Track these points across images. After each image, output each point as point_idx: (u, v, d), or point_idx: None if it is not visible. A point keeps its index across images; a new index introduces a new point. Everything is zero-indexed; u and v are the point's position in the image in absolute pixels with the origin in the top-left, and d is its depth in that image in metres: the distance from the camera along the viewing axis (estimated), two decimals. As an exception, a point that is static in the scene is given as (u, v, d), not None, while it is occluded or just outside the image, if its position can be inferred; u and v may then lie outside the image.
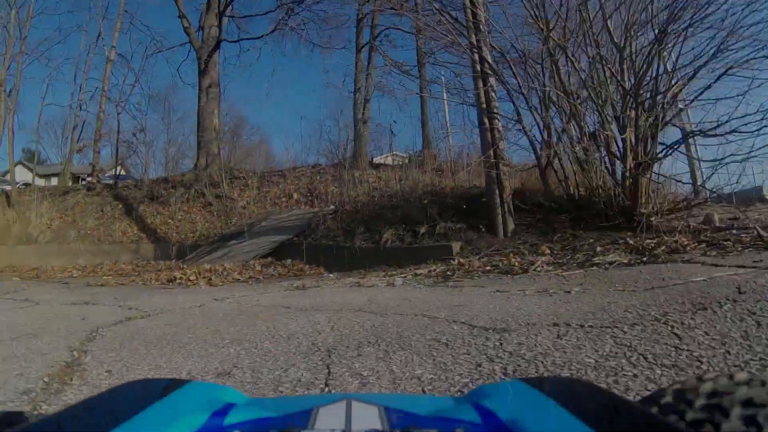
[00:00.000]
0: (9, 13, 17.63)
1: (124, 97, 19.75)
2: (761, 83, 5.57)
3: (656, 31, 6.00)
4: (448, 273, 5.45)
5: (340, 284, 5.66)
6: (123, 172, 20.56)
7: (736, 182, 5.88)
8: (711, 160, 5.95)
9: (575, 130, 6.92)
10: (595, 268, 4.50)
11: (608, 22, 6.36)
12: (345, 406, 0.54)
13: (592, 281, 3.83)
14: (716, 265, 3.69)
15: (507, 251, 6.05)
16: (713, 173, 5.99)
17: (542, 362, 1.99)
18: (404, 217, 7.91)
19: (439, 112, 19.16)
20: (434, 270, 5.75)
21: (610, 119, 6.42)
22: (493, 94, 7.27)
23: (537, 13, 6.73)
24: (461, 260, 5.92)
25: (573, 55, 6.74)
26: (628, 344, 2.08)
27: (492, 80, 7.29)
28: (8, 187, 17.57)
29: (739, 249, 4.32)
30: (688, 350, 1.93)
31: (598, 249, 5.21)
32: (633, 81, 6.17)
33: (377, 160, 18.64)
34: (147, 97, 20.76)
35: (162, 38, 20.79)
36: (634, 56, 6.24)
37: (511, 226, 6.93)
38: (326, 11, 18.86)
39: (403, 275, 5.70)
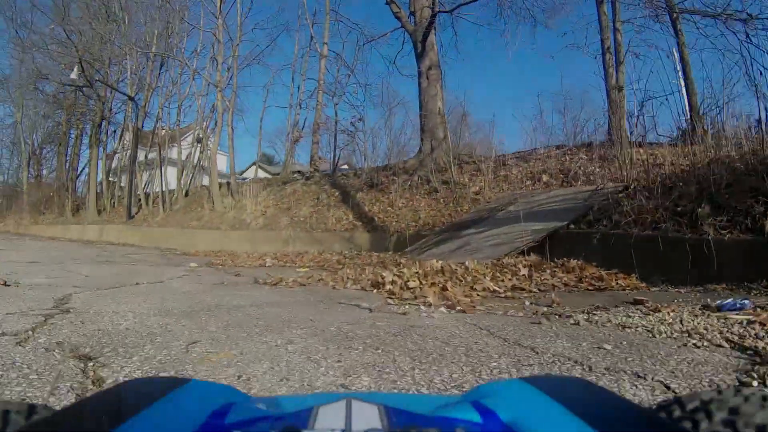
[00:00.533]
0: (216, 22, 17.84)
1: (340, 88, 18.68)
2: None
3: None
4: None
5: None
6: (346, 167, 19.39)
7: None
8: None
9: None
10: None
11: None
12: (345, 405, 0.53)
13: None
14: None
15: None
16: None
17: None
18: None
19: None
20: None
21: None
22: None
23: None
24: None
25: None
26: None
27: None
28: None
29: None
30: None
31: None
32: None
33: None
34: (363, 87, 19.03)
35: (371, 30, 19.42)
36: None
37: None
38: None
39: None
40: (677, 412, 0.57)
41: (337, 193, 13.46)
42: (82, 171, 27.13)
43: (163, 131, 21.71)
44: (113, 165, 24.95)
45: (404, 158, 15.07)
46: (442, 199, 11.36)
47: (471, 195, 10.90)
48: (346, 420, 0.48)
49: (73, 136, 26.66)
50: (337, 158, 17.45)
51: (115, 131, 24.95)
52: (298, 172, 18.95)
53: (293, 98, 20.09)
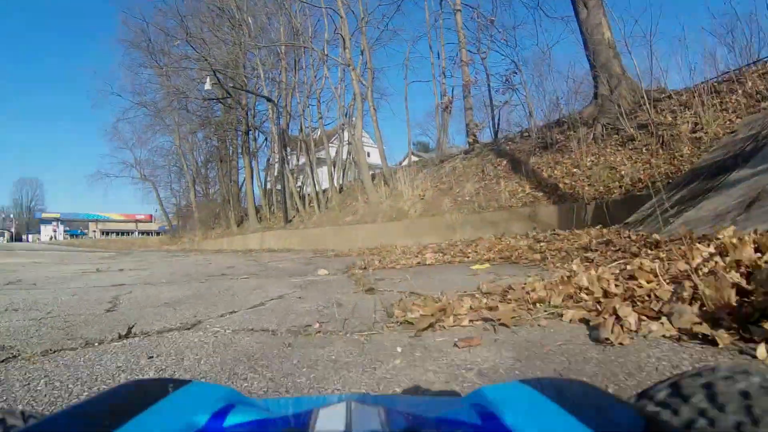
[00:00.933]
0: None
1: (485, 37, 16.30)
2: None
3: None
4: None
5: None
6: (501, 138, 17.08)
7: None
8: None
9: None
10: None
11: None
12: (345, 407, 0.52)
13: None
14: None
15: None
16: None
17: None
18: None
19: None
20: None
21: None
22: None
23: None
24: None
25: None
26: None
27: None
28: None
29: None
30: None
31: None
32: None
33: None
34: (512, 30, 16.37)
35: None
36: None
37: None
38: None
39: None
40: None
41: (504, 162, 11.30)
42: (243, 184, 27.96)
43: (311, 131, 21.20)
44: (268, 173, 25.21)
45: (576, 109, 12.45)
46: (644, 148, 8.78)
47: (686, 135, 8.22)
48: (347, 422, 0.47)
49: (230, 151, 27.57)
50: (497, 121, 15.05)
51: (266, 139, 25.24)
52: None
53: (435, 68, 18.15)
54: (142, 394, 0.55)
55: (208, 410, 0.53)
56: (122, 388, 0.59)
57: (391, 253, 7.51)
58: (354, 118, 17.32)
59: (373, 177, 15.40)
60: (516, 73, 14.23)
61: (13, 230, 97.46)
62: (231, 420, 0.52)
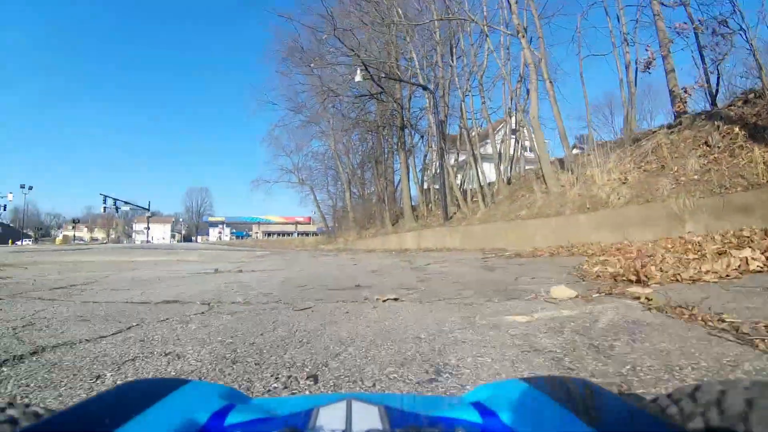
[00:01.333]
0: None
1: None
2: None
3: None
4: None
5: None
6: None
7: None
8: None
9: None
10: None
11: None
12: (345, 406, 0.52)
13: None
14: None
15: None
16: None
17: None
18: None
19: None
20: None
21: None
22: None
23: None
24: None
25: None
26: None
27: None
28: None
29: None
30: None
31: None
32: None
33: None
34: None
35: None
36: None
37: None
38: None
39: None
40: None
41: (736, 129, 8.80)
42: (398, 183, 27.41)
43: (474, 122, 19.78)
44: (426, 172, 24.31)
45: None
46: None
47: None
48: (347, 421, 0.47)
49: (385, 150, 27.18)
50: (717, 78, 11.70)
51: (422, 137, 24.43)
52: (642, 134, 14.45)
53: (615, 37, 15.58)
54: (144, 394, 0.55)
55: (208, 410, 0.52)
56: (124, 388, 0.58)
57: (650, 255, 4.90)
58: (524, 99, 15.54)
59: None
60: (727, 19, 11.27)
61: (183, 232, 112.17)
62: (232, 419, 0.52)
